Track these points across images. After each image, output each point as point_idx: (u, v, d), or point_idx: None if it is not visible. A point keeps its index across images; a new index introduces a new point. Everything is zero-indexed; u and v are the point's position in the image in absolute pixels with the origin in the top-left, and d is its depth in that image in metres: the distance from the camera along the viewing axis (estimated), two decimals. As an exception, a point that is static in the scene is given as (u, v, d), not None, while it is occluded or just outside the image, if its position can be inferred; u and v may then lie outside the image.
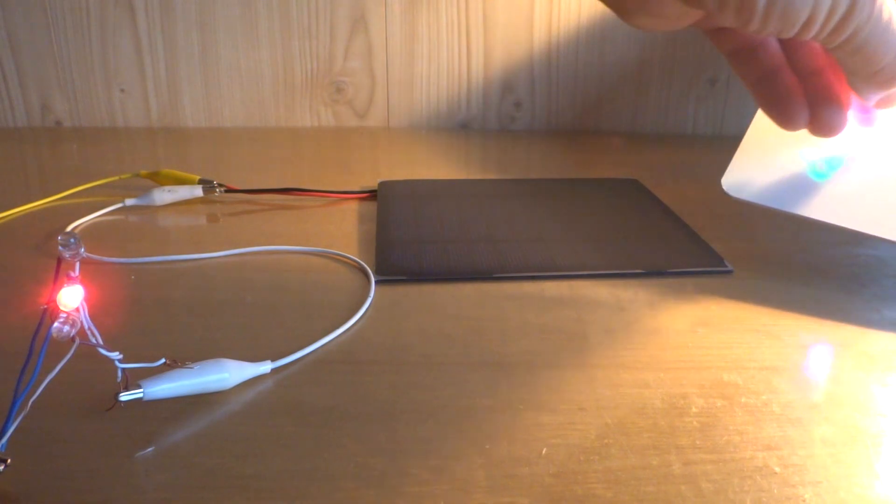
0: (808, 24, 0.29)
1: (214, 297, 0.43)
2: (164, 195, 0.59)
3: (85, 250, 0.30)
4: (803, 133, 0.38)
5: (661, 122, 0.85)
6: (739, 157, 0.46)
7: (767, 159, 0.45)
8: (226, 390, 0.34)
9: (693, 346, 0.39)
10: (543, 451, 0.30)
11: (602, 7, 0.80)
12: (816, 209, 0.43)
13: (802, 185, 0.44)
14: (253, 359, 0.35)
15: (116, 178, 0.64)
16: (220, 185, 0.60)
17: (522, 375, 0.36)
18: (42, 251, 0.50)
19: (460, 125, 0.85)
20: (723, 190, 0.46)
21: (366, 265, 0.47)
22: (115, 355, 0.30)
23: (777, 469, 0.30)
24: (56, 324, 0.28)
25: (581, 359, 0.37)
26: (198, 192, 0.60)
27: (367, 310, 0.42)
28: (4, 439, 0.29)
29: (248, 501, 0.27)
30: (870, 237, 0.42)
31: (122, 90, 0.83)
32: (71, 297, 0.28)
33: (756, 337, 0.40)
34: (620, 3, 0.34)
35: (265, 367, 0.35)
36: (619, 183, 0.65)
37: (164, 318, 0.41)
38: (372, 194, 0.61)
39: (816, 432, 0.32)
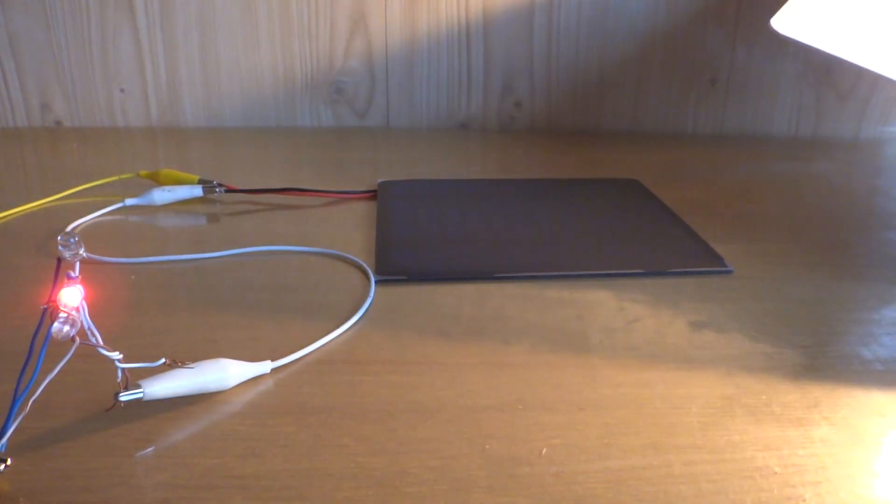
0: None
1: (214, 297, 0.44)
2: (164, 195, 0.59)
3: (85, 250, 0.30)
4: None
5: (661, 122, 0.85)
6: None
7: (825, 3, 0.43)
8: (226, 390, 0.34)
9: (693, 346, 0.39)
10: (543, 451, 0.30)
11: (602, 6, 0.80)
12: (868, 58, 0.41)
13: (857, 31, 0.42)
14: (253, 359, 0.35)
15: (116, 178, 0.64)
16: (220, 185, 0.60)
17: (522, 375, 0.36)
18: (42, 251, 0.50)
19: (460, 125, 0.85)
20: (772, 29, 0.43)
21: (366, 265, 0.47)
22: (115, 355, 0.30)
23: (777, 469, 0.30)
24: (56, 324, 0.28)
25: (581, 358, 0.37)
26: (198, 192, 0.60)
27: (367, 310, 0.42)
28: (4, 439, 0.29)
29: (248, 501, 0.27)
30: None
31: (122, 90, 0.83)
32: (71, 297, 0.28)
33: (756, 337, 0.40)
34: None
35: (265, 367, 0.35)
36: (619, 183, 0.65)
37: (164, 318, 0.41)
38: (372, 194, 0.61)
39: (816, 432, 0.32)
